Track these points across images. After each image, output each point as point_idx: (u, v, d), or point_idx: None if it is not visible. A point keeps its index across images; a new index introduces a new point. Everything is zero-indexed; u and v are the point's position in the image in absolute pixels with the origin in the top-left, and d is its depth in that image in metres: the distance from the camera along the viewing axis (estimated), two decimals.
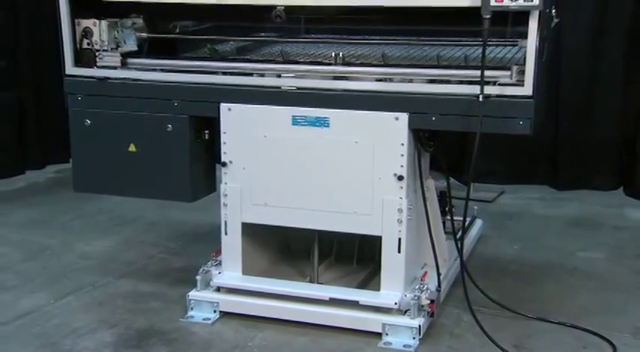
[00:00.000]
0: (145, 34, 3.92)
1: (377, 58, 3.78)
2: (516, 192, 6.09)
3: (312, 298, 3.70)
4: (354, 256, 4.20)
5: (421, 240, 3.79)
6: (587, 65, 5.80)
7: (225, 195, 3.78)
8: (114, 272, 4.44)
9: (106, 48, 3.80)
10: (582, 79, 5.83)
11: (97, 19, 3.77)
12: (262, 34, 4.32)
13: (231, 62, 3.87)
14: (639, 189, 5.80)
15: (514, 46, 3.65)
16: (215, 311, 3.81)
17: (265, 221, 3.78)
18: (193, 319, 3.79)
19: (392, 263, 3.60)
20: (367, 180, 3.54)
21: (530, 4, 3.13)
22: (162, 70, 3.82)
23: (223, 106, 3.68)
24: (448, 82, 3.48)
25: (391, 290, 3.62)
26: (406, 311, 3.60)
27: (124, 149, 3.82)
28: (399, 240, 3.57)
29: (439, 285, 3.77)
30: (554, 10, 3.53)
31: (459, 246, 3.73)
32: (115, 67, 3.82)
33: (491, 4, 3.16)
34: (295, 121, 3.60)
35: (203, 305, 3.83)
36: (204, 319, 3.79)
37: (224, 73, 3.76)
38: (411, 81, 3.53)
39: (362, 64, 3.72)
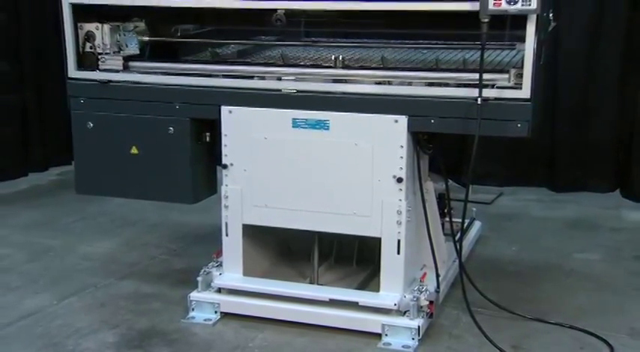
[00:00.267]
0: (146, 38, 3.93)
1: (376, 61, 3.79)
2: (514, 193, 6.10)
3: (312, 299, 3.70)
4: (354, 257, 4.20)
5: (420, 242, 3.80)
6: (584, 68, 5.82)
7: (226, 197, 3.78)
8: (116, 274, 4.45)
9: (108, 51, 3.81)
10: (579, 82, 5.84)
11: (99, 22, 3.78)
12: (263, 37, 4.33)
13: (232, 65, 3.87)
14: (636, 191, 5.81)
15: (512, 49, 3.66)
16: (216, 312, 3.81)
17: (266, 222, 3.78)
18: (194, 320, 3.80)
19: (391, 264, 3.61)
20: (367, 182, 3.55)
21: (527, 7, 3.13)
22: (164, 73, 3.82)
23: (224, 109, 3.69)
24: (447, 84, 3.48)
25: (390, 291, 3.63)
26: (405, 312, 3.60)
27: (125, 151, 3.83)
28: (399, 241, 3.57)
29: (438, 286, 3.77)
30: (551, 14, 3.55)
31: (458, 247, 3.71)
32: (117, 70, 3.83)
33: (490, 7, 3.16)
34: (295, 124, 3.61)
35: (204, 306, 3.84)
36: (205, 320, 3.79)
37: (225, 76, 3.76)
38: (410, 84, 3.53)
39: (362, 67, 3.73)
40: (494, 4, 3.16)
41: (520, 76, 3.30)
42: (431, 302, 3.62)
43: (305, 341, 3.61)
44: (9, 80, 6.43)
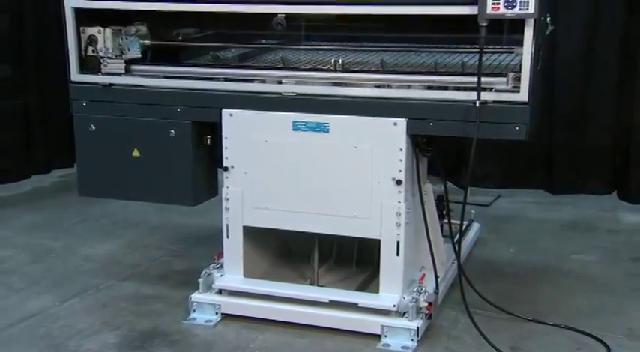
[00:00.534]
0: (148, 42, 3.93)
1: (376, 65, 3.80)
2: (512, 196, 6.11)
3: (312, 300, 3.71)
4: (354, 259, 4.21)
5: (419, 243, 3.80)
6: (581, 72, 5.84)
7: (227, 199, 3.79)
8: (117, 275, 4.46)
9: (110, 55, 3.82)
10: (576, 86, 5.86)
11: (101, 27, 3.79)
12: (263, 41, 4.33)
13: (233, 69, 3.88)
14: (632, 194, 5.83)
15: (510, 53, 3.66)
16: (217, 313, 3.82)
17: (266, 224, 3.79)
18: (195, 321, 3.81)
19: (391, 266, 3.62)
20: (366, 184, 3.56)
21: (525, 12, 3.15)
22: (166, 77, 3.84)
23: (225, 112, 3.70)
24: (446, 88, 3.49)
25: (390, 292, 3.63)
26: (405, 313, 3.61)
27: (127, 154, 3.84)
28: (398, 243, 3.58)
29: (437, 288, 3.77)
30: (548, 18, 3.54)
31: (457, 249, 3.76)
32: (119, 74, 3.84)
33: (488, 12, 3.18)
34: (296, 127, 3.62)
35: (205, 307, 3.84)
36: (206, 321, 3.80)
37: (226, 80, 3.77)
38: (409, 87, 3.54)
39: (361, 71, 3.73)
40: (493, 8, 3.18)
41: (518, 79, 3.32)
42: (430, 304, 3.62)
43: (305, 342, 3.62)
44: (12, 83, 6.46)
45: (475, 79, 3.33)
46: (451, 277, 4.10)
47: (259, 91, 3.70)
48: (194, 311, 3.86)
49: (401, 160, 3.51)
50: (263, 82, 3.75)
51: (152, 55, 3.96)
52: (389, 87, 3.58)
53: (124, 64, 3.85)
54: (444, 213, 4.23)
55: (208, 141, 3.86)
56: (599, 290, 4.25)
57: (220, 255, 3.95)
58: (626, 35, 5.73)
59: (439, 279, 3.82)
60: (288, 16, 3.57)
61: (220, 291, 3.88)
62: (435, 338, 3.66)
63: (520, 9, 3.16)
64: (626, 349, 3.57)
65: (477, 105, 3.30)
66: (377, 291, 3.70)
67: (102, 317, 3.91)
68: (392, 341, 3.57)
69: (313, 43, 4.18)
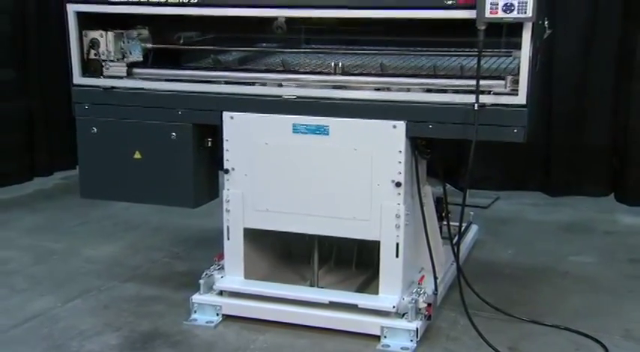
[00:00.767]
0: (150, 45, 3.94)
1: (375, 68, 3.81)
2: (511, 198, 6.12)
3: (312, 301, 3.72)
4: (353, 260, 4.21)
5: (418, 245, 3.81)
6: (579, 74, 5.84)
7: (228, 201, 3.80)
8: (119, 277, 4.47)
9: (112, 58, 3.83)
10: (574, 88, 5.86)
11: (103, 30, 3.80)
12: (264, 44, 4.33)
13: (234, 72, 3.89)
14: (629, 195, 5.84)
15: (508, 56, 3.66)
16: (218, 315, 3.83)
17: (266, 226, 3.81)
18: (196, 322, 3.82)
19: (390, 267, 3.63)
20: (366, 186, 3.57)
21: (523, 16, 3.17)
22: (167, 80, 3.85)
23: (226, 115, 3.71)
24: (444, 91, 3.50)
25: (389, 293, 3.65)
26: (404, 314, 3.62)
27: (129, 156, 3.86)
28: (397, 244, 3.59)
29: (436, 289, 3.78)
30: (546, 22, 3.58)
31: (456, 250, 3.77)
32: (120, 77, 3.86)
33: (486, 15, 3.20)
34: (296, 129, 3.63)
35: (206, 308, 3.86)
36: (207, 322, 3.81)
37: (227, 83, 3.78)
38: (408, 90, 3.55)
39: (361, 74, 3.74)
40: (491, 12, 3.19)
41: (516, 82, 3.33)
42: (429, 305, 3.63)
43: (305, 343, 3.63)
44: (15, 87, 6.47)
45: (474, 81, 3.34)
46: (450, 278, 4.11)
47: (260, 94, 3.72)
48: (195, 312, 3.88)
49: (400, 162, 3.52)
50: (263, 84, 3.76)
51: (153, 58, 3.97)
52: (388, 90, 3.59)
53: (126, 67, 3.86)
54: (443, 214, 4.24)
55: (209, 144, 3.88)
56: (596, 291, 4.27)
57: (221, 256, 3.96)
58: (623, 38, 5.73)
59: (438, 281, 3.82)
60: (289, 20, 3.59)
61: (221, 293, 3.89)
62: (434, 339, 3.67)
63: (518, 13, 3.17)
64: (623, 349, 3.58)
65: (476, 107, 3.32)
66: (376, 292, 3.71)
67: (104, 318, 3.92)
68: (391, 342, 3.58)
69: (313, 46, 4.18)
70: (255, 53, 4.29)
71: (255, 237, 3.91)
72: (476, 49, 3.34)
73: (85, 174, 4.02)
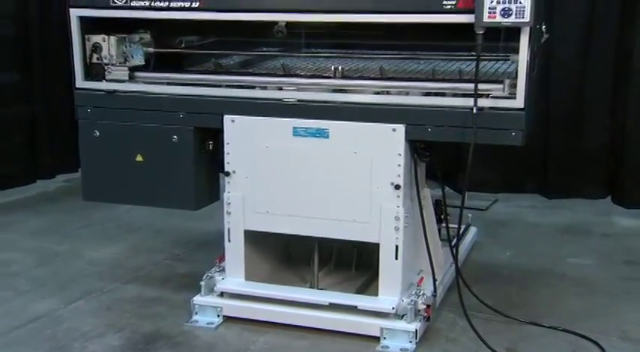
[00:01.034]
0: (151, 49, 3.95)
1: (375, 72, 3.81)
2: (509, 200, 6.12)
3: (312, 303, 3.73)
4: (353, 262, 4.22)
5: (417, 247, 3.82)
6: (576, 78, 5.87)
7: (229, 204, 3.81)
8: (121, 278, 4.48)
9: (114, 62, 3.84)
10: (571, 92, 5.89)
11: (106, 34, 3.82)
12: (264, 48, 4.34)
13: (235, 75, 3.90)
14: (626, 198, 5.86)
15: (506, 60, 3.67)
16: (219, 316, 3.84)
17: (267, 228, 3.81)
18: (197, 323, 3.83)
19: (389, 269, 3.64)
20: (365, 189, 3.59)
21: (521, 20, 3.18)
22: (169, 83, 3.86)
23: (227, 118, 3.72)
24: (443, 94, 3.51)
25: (389, 295, 3.66)
26: (403, 316, 3.63)
27: (131, 159, 3.86)
28: (396, 246, 3.60)
29: (435, 291, 3.80)
30: (544, 26, 3.59)
31: (454, 252, 3.78)
32: (123, 81, 3.86)
33: (484, 20, 3.21)
34: (296, 132, 3.64)
35: (207, 309, 3.87)
36: (208, 323, 3.82)
37: (228, 86, 3.79)
38: (407, 94, 3.56)
39: (360, 78, 3.75)
40: (489, 16, 3.21)
41: (514, 86, 3.34)
42: (428, 306, 3.65)
43: (305, 344, 3.65)
44: (18, 90, 6.49)
45: (472, 85, 3.35)
46: (449, 280, 4.12)
47: (260, 98, 3.73)
48: (196, 313, 3.89)
49: (399, 165, 3.54)
50: (264, 88, 3.77)
51: (155, 62, 3.98)
52: (388, 93, 3.60)
53: (128, 71, 3.87)
54: (442, 217, 4.25)
55: (210, 147, 3.89)
56: (594, 292, 4.28)
57: (222, 258, 3.98)
58: (620, 41, 5.76)
59: (437, 282, 3.84)
60: (289, 24, 3.59)
61: (222, 294, 3.90)
62: (433, 340, 3.68)
63: (516, 17, 3.19)
64: (620, 350, 3.60)
65: (474, 111, 3.33)
66: (376, 294, 3.72)
67: (106, 319, 3.94)
68: (391, 343, 3.59)
69: (313, 50, 4.19)
70: (255, 57, 4.29)
71: (255, 239, 3.92)
72: (474, 53, 3.35)
73: (87, 177, 4.03)
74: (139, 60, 3.93)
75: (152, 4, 3.70)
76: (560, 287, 4.38)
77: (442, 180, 4.12)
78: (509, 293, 4.23)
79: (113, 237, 5.31)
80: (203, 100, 3.78)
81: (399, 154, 3.53)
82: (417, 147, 3.65)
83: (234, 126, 3.74)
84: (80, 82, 3.91)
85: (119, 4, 3.74)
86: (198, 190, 3.89)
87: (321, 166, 3.66)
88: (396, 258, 3.63)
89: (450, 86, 3.55)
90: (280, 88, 3.75)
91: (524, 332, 3.76)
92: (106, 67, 3.87)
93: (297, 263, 4.27)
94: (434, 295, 3.80)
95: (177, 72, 4.00)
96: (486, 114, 3.37)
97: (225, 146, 3.78)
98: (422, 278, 3.83)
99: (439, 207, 4.23)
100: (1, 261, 4.81)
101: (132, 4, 3.73)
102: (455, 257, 3.78)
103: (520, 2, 3.18)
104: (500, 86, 3.40)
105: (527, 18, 3.19)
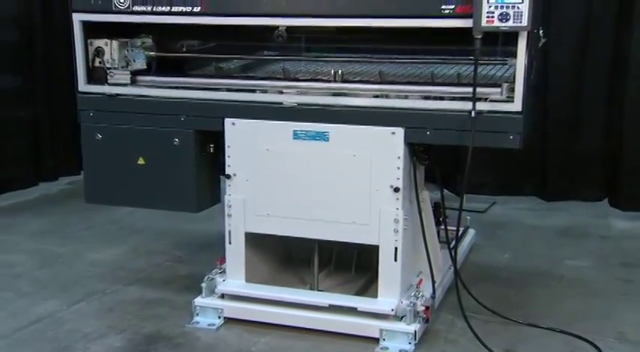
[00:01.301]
0: (153, 53, 3.96)
1: (374, 76, 3.84)
2: (507, 202, 6.14)
3: (312, 305, 3.75)
4: (353, 264, 4.23)
5: (417, 249, 3.84)
6: (573, 81, 5.88)
7: (229, 206, 3.83)
8: (123, 280, 4.50)
9: (116, 66, 3.86)
10: (568, 95, 5.90)
11: (108, 39, 3.84)
12: (265, 52, 4.36)
13: (235, 79, 3.94)
14: (623, 201, 5.87)
15: (504, 64, 3.70)
16: (219, 317, 3.86)
17: (268, 231, 3.83)
18: (199, 325, 3.85)
19: (389, 271, 3.65)
20: (365, 191, 3.60)
21: (519, 25, 3.21)
22: (170, 87, 3.88)
23: (228, 121, 3.74)
24: (442, 98, 3.53)
25: (388, 297, 3.67)
26: (402, 317, 3.64)
27: (133, 162, 3.88)
28: (396, 249, 3.61)
29: (434, 292, 3.82)
30: (541, 31, 3.62)
31: (453, 254, 3.79)
32: (124, 84, 3.89)
33: (483, 24, 3.23)
34: (296, 135, 3.66)
35: (208, 311, 3.89)
36: (209, 325, 3.84)
37: (228, 90, 3.82)
38: (406, 97, 3.58)
39: (360, 81, 3.77)
40: (487, 21, 3.23)
41: (512, 89, 3.36)
42: (427, 308, 3.66)
43: (306, 345, 3.66)
44: (21, 93, 6.51)
45: (470, 89, 3.37)
46: (448, 282, 4.13)
47: (261, 101, 3.76)
48: (197, 315, 3.91)
49: (399, 168, 3.56)
50: (264, 92, 3.79)
51: (157, 66, 3.99)
52: (387, 97, 3.62)
53: (130, 75, 3.90)
54: (441, 219, 4.25)
55: (211, 150, 3.90)
56: (591, 294, 4.29)
57: (223, 260, 3.99)
58: (616, 45, 5.77)
59: (436, 284, 3.86)
60: (289, 29, 3.62)
61: (223, 296, 3.92)
62: (431, 341, 3.70)
63: (514, 22, 3.21)
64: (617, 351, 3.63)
65: (473, 114, 3.35)
66: (375, 296, 3.73)
67: (108, 321, 3.95)
68: (390, 345, 3.61)
69: (313, 54, 4.21)
70: (256, 61, 4.32)
71: (256, 241, 3.93)
72: (472, 57, 3.37)
73: (89, 180, 4.05)
74: (140, 64, 3.94)
75: (154, 9, 3.73)
76: (557, 288, 4.39)
77: (441, 182, 4.13)
78: (507, 295, 4.24)
79: (115, 239, 5.32)
80: (204, 104, 3.80)
81: (398, 157, 3.55)
82: (416, 150, 3.67)
83: (235, 130, 3.76)
84: (82, 86, 3.94)
85: (121, 8, 3.77)
86: (200, 193, 3.90)
87: (321, 169, 3.68)
88: (396, 260, 3.64)
89: (448, 90, 3.57)
90: (280, 92, 3.77)
91: (522, 334, 3.77)
92: (108, 71, 3.90)
93: (298, 265, 4.28)
94: (433, 297, 3.82)
95: (178, 76, 4.03)
96: (484, 118, 3.39)
97: (226, 149, 3.80)
98: (421, 280, 3.84)
99: (438, 209, 4.24)
100: (4, 263, 4.83)
101: (134, 9, 3.75)
102: (454, 259, 3.79)
103: (518, 7, 3.20)
104: (499, 90, 3.42)
105: (524, 22, 3.21)
